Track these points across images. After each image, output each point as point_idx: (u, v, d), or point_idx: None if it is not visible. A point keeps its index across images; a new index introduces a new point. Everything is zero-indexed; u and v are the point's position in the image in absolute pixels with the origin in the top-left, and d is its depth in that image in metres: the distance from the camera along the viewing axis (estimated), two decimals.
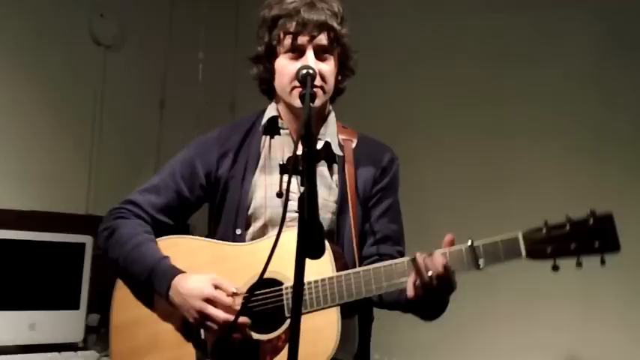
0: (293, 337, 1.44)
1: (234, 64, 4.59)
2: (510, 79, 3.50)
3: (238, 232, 2.06)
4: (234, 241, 2.06)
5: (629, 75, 3.16)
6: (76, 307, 3.54)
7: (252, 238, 2.07)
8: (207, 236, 2.16)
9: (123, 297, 2.10)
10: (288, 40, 1.99)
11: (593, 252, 1.67)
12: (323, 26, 1.98)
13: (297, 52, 1.99)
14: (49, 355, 3.32)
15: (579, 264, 1.68)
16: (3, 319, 3.33)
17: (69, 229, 3.65)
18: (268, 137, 2.11)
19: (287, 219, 1.98)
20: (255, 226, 2.08)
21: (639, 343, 3.01)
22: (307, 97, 1.68)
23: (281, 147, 2.10)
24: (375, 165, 2.12)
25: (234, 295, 1.93)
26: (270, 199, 2.05)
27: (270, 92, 2.15)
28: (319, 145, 2.07)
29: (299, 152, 1.54)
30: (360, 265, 2.00)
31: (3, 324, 3.33)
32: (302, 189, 1.51)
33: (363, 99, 3.76)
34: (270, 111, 2.13)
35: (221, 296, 1.92)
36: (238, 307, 1.91)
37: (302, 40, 1.97)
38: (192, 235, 2.17)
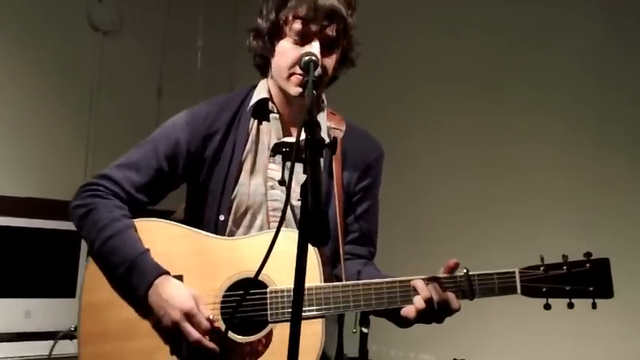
0: (293, 340, 1.40)
1: (233, 51, 4.57)
2: (513, 72, 3.47)
3: (221, 217, 1.97)
4: (216, 226, 1.98)
5: (632, 65, 3.13)
6: (72, 295, 3.52)
7: (235, 224, 1.99)
8: (184, 218, 2.05)
9: (94, 277, 1.96)
10: (296, 25, 1.88)
11: (586, 296, 1.74)
12: (334, 15, 1.88)
13: (304, 38, 1.89)
14: (44, 342, 3.29)
15: (571, 305, 1.74)
16: None
17: (65, 216, 3.59)
18: (256, 120, 2.02)
19: (269, 208, 1.96)
20: (237, 212, 1.99)
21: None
22: (310, 83, 1.64)
23: (269, 131, 2.02)
24: (361, 160, 2.06)
25: (208, 319, 1.84)
26: (254, 186, 1.98)
27: (263, 68, 2.04)
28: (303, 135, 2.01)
29: (302, 140, 1.50)
30: (342, 260, 1.95)
31: None
32: (301, 177, 1.46)
33: (363, 92, 3.76)
34: (260, 92, 2.03)
35: (200, 316, 1.82)
36: (214, 330, 1.84)
37: (311, 28, 1.87)
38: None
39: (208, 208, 1.99)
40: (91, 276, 1.97)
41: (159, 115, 4.42)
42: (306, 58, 1.77)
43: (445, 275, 1.80)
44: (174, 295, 1.84)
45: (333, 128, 2.05)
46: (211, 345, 1.82)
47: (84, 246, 3.51)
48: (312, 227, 1.39)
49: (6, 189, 3.72)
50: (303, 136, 1.85)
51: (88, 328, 1.95)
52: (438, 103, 3.73)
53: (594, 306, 1.73)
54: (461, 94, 3.65)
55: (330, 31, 1.89)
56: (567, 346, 3.14)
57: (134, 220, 1.97)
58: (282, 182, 1.93)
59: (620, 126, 3.13)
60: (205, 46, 4.62)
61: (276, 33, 1.93)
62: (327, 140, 1.94)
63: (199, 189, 2.01)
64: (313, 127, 1.48)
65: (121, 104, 4.28)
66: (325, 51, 1.90)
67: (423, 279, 1.79)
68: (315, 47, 1.87)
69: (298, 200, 1.48)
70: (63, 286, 3.51)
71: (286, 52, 1.91)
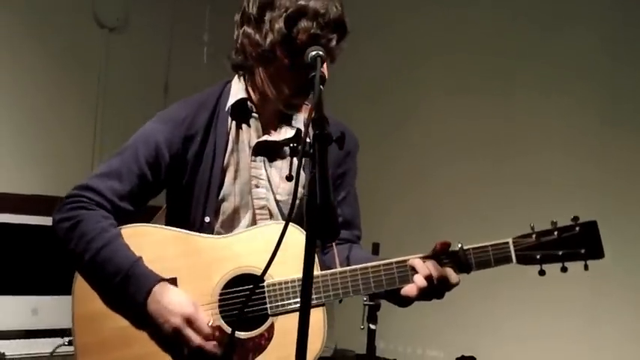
0: (302, 331, 1.39)
1: None
2: (522, 51, 3.45)
3: (207, 219, 1.96)
4: (201, 228, 1.96)
5: None
6: None
7: (222, 226, 1.98)
8: (167, 221, 2.04)
9: (84, 286, 1.94)
10: (305, 40, 1.84)
11: (579, 258, 1.78)
12: (339, 25, 1.88)
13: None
14: (52, 340, 3.29)
15: (564, 269, 1.78)
16: (6, 304, 3.32)
17: None
18: (236, 122, 2.02)
19: (255, 206, 1.97)
20: (224, 214, 1.98)
21: None
22: (317, 78, 1.62)
23: (248, 130, 2.01)
24: (339, 150, 2.06)
25: (210, 326, 1.84)
26: (238, 185, 1.99)
27: (244, 68, 2.02)
28: (290, 133, 2.00)
29: (289, 134, 1.50)
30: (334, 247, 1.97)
31: (6, 309, 3.31)
32: (305, 173, 1.47)
33: (372, 78, 3.73)
34: (238, 91, 2.03)
35: (201, 320, 1.82)
36: (216, 335, 1.84)
37: (321, 41, 1.83)
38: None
39: (193, 210, 1.98)
40: (81, 287, 1.95)
41: None
42: (313, 53, 1.74)
43: (440, 252, 1.82)
44: (173, 301, 1.83)
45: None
46: (214, 349, 1.82)
47: None
48: (322, 222, 1.39)
49: (13, 186, 3.72)
50: (290, 133, 1.91)
51: (84, 340, 1.94)
52: (445, 82, 3.72)
53: (586, 267, 1.76)
54: (469, 73, 3.63)
55: (333, 41, 1.89)
56: (578, 345, 3.13)
57: (121, 227, 1.94)
58: (289, 178, 1.92)
59: (631, 106, 3.11)
60: (212, 41, 4.60)
61: (283, 46, 1.89)
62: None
63: (182, 191, 1.99)
64: (322, 123, 1.49)
65: (128, 100, 4.27)
66: (331, 60, 1.91)
67: (420, 257, 1.82)
68: (324, 67, 1.85)
69: (305, 195, 1.48)
70: (71, 283, 3.48)
71: (290, 76, 1.91)
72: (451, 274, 1.79)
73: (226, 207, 1.98)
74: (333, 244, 1.98)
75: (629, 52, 3.15)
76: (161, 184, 2.00)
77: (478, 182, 3.52)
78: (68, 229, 1.94)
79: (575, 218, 1.79)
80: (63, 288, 3.45)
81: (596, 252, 1.78)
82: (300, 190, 1.93)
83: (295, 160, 1.87)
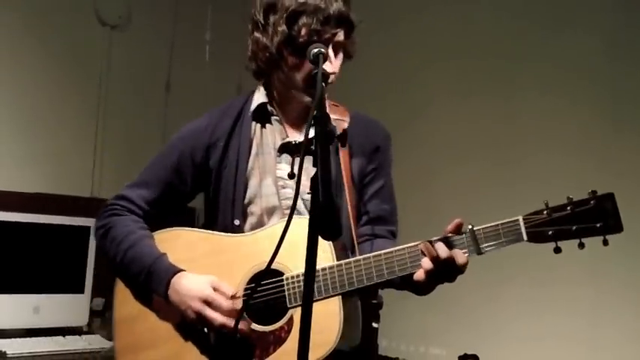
0: (304, 326, 1.40)
1: (242, 45, 4.53)
2: (528, 53, 3.43)
3: (236, 222, 2.02)
4: (232, 232, 2.03)
5: None
6: (81, 290, 3.52)
7: (252, 228, 2.03)
8: (203, 225, 2.13)
9: (123, 291, 2.08)
10: (309, 37, 1.90)
11: (595, 233, 1.67)
12: (343, 20, 1.93)
13: None
14: (53, 339, 3.30)
15: (582, 245, 1.68)
16: (7, 302, 3.31)
17: (74, 212, 3.63)
18: (258, 124, 2.07)
19: (284, 207, 2.00)
20: (252, 216, 2.04)
21: None
22: (319, 75, 1.63)
23: (272, 133, 2.06)
24: (368, 144, 2.08)
25: (232, 297, 1.91)
26: (265, 187, 2.02)
27: (261, 74, 2.08)
28: (311, 131, 2.02)
29: (311, 133, 1.51)
30: (356, 247, 1.98)
31: (7, 308, 3.31)
32: (312, 171, 1.47)
33: (375, 79, 3.72)
34: (259, 97, 2.08)
35: (219, 299, 1.89)
36: (237, 309, 1.89)
37: (324, 37, 1.90)
38: (198, 219, 2.14)
39: (221, 214, 2.05)
40: (120, 291, 2.10)
41: (167, 109, 4.41)
42: (315, 50, 1.77)
43: (450, 234, 1.80)
44: (190, 287, 1.91)
45: (338, 119, 2.07)
46: (240, 325, 1.85)
47: (93, 242, 3.52)
48: (324, 221, 1.39)
49: (15, 184, 3.71)
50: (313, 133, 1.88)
51: (121, 342, 2.08)
52: (451, 86, 3.70)
53: (605, 243, 1.66)
54: (474, 77, 3.62)
55: (340, 36, 1.94)
56: (580, 345, 3.12)
57: (155, 232, 2.08)
58: (291, 175, 1.95)
59: (636, 110, 3.09)
60: (214, 40, 4.60)
61: (287, 45, 1.94)
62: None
63: (212, 197, 2.08)
64: (324, 120, 1.50)
65: (130, 99, 4.27)
66: (336, 55, 1.95)
67: (430, 241, 1.79)
68: (332, 57, 1.91)
69: (308, 194, 1.48)
70: (72, 281, 3.51)
71: (300, 65, 1.94)
72: (458, 254, 1.76)
73: (254, 209, 2.03)
74: (364, 239, 2.02)
75: (630, 54, 3.13)
76: (190, 191, 2.13)
77: (482, 183, 3.51)
78: (102, 236, 2.09)
79: (593, 192, 1.70)
80: (64, 287, 3.49)
81: (614, 225, 1.67)
82: None
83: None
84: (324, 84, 1.65)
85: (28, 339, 3.24)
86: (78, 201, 3.93)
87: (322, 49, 1.77)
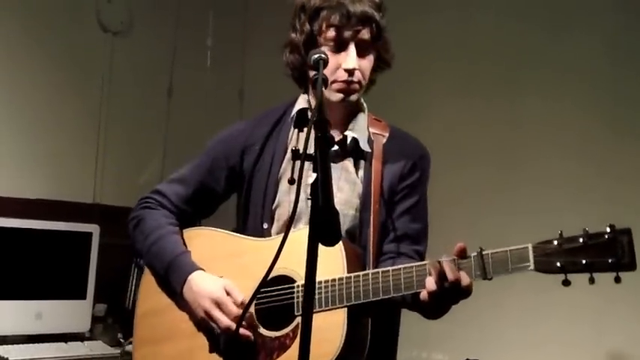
0: (304, 335, 1.41)
1: (243, 50, 4.55)
2: (530, 57, 3.43)
3: (265, 226, 2.06)
4: (262, 235, 2.05)
5: None
6: (83, 296, 3.51)
7: (278, 232, 2.05)
8: (235, 228, 2.17)
9: (147, 285, 2.15)
10: (331, 33, 1.94)
11: (606, 269, 1.59)
12: (367, 19, 1.93)
13: (339, 45, 1.95)
14: (55, 345, 3.29)
15: (592, 280, 1.61)
16: (9, 308, 3.31)
17: (76, 218, 3.63)
18: (297, 130, 2.08)
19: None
20: (280, 220, 2.06)
21: None
22: (319, 81, 1.63)
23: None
24: (404, 161, 2.07)
25: (242, 304, 1.93)
26: (293, 193, 2.02)
27: (300, 80, 2.10)
28: (347, 139, 2.04)
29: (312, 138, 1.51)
30: (376, 264, 1.97)
31: (9, 314, 3.30)
32: (313, 176, 1.48)
33: (373, 91, 3.72)
34: (301, 102, 2.09)
35: (228, 302, 1.93)
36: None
37: (346, 34, 1.93)
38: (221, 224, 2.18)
39: (251, 217, 2.09)
40: (145, 285, 2.16)
41: (169, 115, 4.41)
42: (315, 56, 1.76)
43: (458, 255, 1.76)
44: (204, 287, 1.96)
45: (376, 134, 2.08)
46: (242, 331, 1.89)
47: (95, 247, 3.53)
48: (323, 226, 1.41)
49: (16, 190, 3.72)
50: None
51: (140, 335, 2.15)
52: (452, 90, 3.69)
53: (617, 280, 1.57)
54: (476, 81, 3.61)
55: (365, 34, 1.95)
56: (584, 352, 3.11)
57: (184, 229, 2.14)
58: (291, 181, 1.93)
59: (637, 114, 3.09)
60: (215, 45, 4.60)
61: (311, 44, 1.97)
62: (369, 149, 2.04)
63: (244, 200, 2.12)
64: (323, 125, 1.50)
65: (132, 104, 4.26)
66: (361, 54, 1.96)
67: (438, 260, 1.76)
68: (351, 54, 1.94)
69: (308, 199, 1.49)
70: (74, 287, 3.50)
71: (330, 71, 1.94)
72: (463, 276, 1.72)
73: (280, 214, 2.06)
74: (388, 257, 2.01)
75: (630, 57, 3.12)
76: (223, 193, 2.18)
77: (484, 188, 3.50)
78: (134, 227, 2.16)
79: (611, 225, 1.60)
80: (66, 293, 3.49)
81: (628, 263, 1.57)
82: (357, 201, 2.01)
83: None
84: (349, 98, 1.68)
85: (30, 345, 3.23)
86: (80, 207, 3.93)
87: (322, 55, 1.77)
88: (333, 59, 1.90)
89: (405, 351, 3.70)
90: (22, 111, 3.85)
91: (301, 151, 1.52)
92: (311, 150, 1.96)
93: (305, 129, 2.00)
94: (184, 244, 2.10)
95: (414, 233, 2.06)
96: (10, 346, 3.18)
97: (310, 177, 1.82)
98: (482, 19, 3.62)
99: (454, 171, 3.60)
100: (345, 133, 2.05)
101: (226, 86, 4.56)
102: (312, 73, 1.93)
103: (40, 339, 3.31)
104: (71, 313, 3.48)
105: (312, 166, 1.51)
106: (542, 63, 3.37)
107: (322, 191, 1.42)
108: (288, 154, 2.05)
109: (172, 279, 2.02)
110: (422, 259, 2.05)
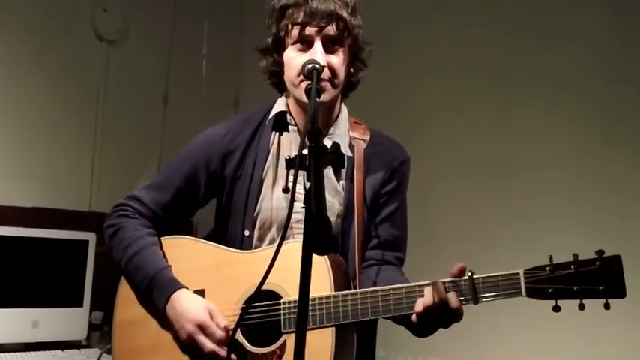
0: (298, 351, 1.39)
1: (238, 59, 4.57)
2: (521, 69, 3.45)
3: (246, 233, 2.01)
4: (242, 242, 2.01)
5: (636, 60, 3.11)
6: (80, 304, 3.52)
7: (259, 239, 2.01)
8: (211, 232, 2.12)
9: (125, 294, 2.08)
10: (295, 31, 1.91)
11: (596, 296, 1.63)
12: (332, 16, 1.90)
13: (305, 43, 1.91)
14: (52, 352, 3.30)
15: (582, 306, 1.65)
16: (6, 316, 3.32)
17: (72, 226, 3.64)
18: (277, 134, 2.04)
19: (292, 220, 1.89)
20: (262, 227, 2.02)
21: None
22: (313, 91, 1.64)
23: (289, 143, 2.03)
24: (384, 167, 2.04)
25: (225, 328, 1.89)
26: (276, 200, 2.00)
27: (279, 85, 2.06)
28: (327, 145, 1.99)
29: (305, 148, 1.50)
30: (359, 272, 1.96)
31: (6, 322, 3.31)
32: (308, 185, 1.48)
33: (369, 94, 3.74)
34: (279, 105, 2.06)
35: (212, 326, 1.88)
36: (228, 338, 1.87)
37: (310, 30, 1.90)
38: (196, 231, 2.13)
39: (232, 224, 2.04)
40: (123, 294, 2.09)
41: (165, 123, 4.43)
42: (309, 65, 1.78)
43: (449, 279, 1.75)
44: (188, 308, 1.91)
45: (357, 139, 2.06)
46: (226, 354, 1.85)
47: (91, 255, 3.54)
48: (316, 235, 1.40)
49: (12, 199, 3.73)
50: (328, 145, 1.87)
51: (119, 345, 2.08)
52: (445, 101, 3.71)
53: (607, 306, 1.62)
54: (468, 92, 3.62)
55: (330, 30, 1.91)
56: (579, 351, 3.12)
57: (162, 237, 2.07)
58: (285, 190, 1.94)
59: (628, 124, 3.11)
60: (210, 54, 4.62)
61: (280, 45, 1.97)
62: (350, 154, 2.00)
63: (224, 206, 2.07)
64: (316, 135, 1.50)
65: (128, 113, 4.28)
66: (329, 49, 1.92)
67: (428, 282, 1.75)
68: (317, 49, 1.89)
69: (302, 207, 1.48)
70: (71, 295, 3.51)
71: (291, 61, 1.94)
72: (452, 298, 1.71)
73: (263, 220, 2.02)
74: (370, 264, 1.99)
75: (621, 68, 3.14)
76: (203, 198, 2.11)
77: (477, 198, 3.51)
78: (111, 235, 2.09)
79: (600, 252, 1.64)
80: (63, 300, 3.50)
81: (617, 290, 1.62)
82: (339, 208, 1.98)
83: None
84: (317, 98, 1.63)
85: (27, 353, 3.24)
86: (76, 215, 3.94)
87: (316, 65, 1.79)
88: (299, 58, 1.89)
89: (400, 357, 3.73)
90: (17, 119, 3.87)
91: (296, 160, 1.52)
92: (294, 152, 1.97)
93: (284, 133, 2.04)
94: (164, 256, 2.03)
95: (395, 239, 2.05)
96: (7, 354, 3.19)
97: (300, 185, 1.83)
98: (475, 31, 3.65)
99: (447, 181, 3.62)
100: (327, 138, 2.02)
101: (222, 95, 4.58)
102: (287, 75, 1.97)
103: (36, 347, 3.32)
104: (68, 321, 3.48)
105: (304, 174, 1.50)
106: (535, 75, 3.39)
107: (315, 201, 1.42)
108: (270, 159, 2.03)
109: (154, 294, 1.96)
110: (402, 265, 2.06)
